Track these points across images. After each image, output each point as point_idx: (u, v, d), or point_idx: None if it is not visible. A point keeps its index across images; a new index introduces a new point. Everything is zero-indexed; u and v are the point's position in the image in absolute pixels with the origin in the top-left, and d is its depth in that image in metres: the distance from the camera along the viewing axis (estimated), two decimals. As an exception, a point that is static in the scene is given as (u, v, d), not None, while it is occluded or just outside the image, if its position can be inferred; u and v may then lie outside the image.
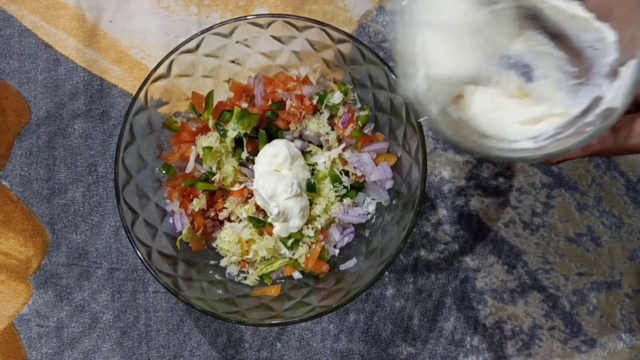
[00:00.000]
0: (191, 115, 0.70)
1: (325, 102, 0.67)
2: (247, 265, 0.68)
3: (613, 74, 0.44)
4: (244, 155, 0.68)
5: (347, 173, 0.68)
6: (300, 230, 0.66)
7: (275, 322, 0.61)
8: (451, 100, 0.49)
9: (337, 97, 0.68)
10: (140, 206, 0.65)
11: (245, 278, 0.68)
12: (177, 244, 0.67)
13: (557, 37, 0.49)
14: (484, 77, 0.50)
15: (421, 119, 0.46)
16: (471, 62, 0.50)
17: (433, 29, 0.48)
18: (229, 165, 0.67)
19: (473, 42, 0.50)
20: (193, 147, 0.68)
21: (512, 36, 0.51)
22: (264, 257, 0.67)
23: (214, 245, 0.69)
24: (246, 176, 0.69)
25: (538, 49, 0.50)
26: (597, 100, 0.45)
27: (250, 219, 0.67)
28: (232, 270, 0.68)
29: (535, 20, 0.50)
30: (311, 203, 0.67)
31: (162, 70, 0.64)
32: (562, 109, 0.47)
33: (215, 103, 0.69)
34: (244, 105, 0.68)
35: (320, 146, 0.69)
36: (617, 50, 0.44)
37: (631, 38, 0.43)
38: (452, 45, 0.49)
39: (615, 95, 0.43)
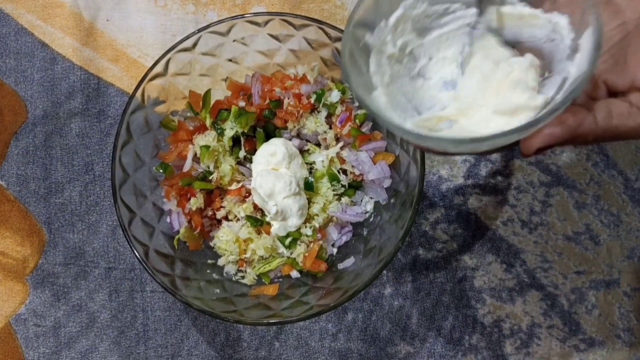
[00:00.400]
0: (188, 114, 0.69)
1: (323, 101, 0.67)
2: (244, 264, 0.68)
3: (574, 51, 0.44)
4: (242, 154, 0.68)
5: (345, 172, 0.68)
6: (298, 229, 0.66)
7: (273, 321, 0.61)
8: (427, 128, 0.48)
9: (334, 96, 0.67)
10: (138, 205, 0.65)
11: (243, 277, 0.67)
12: (175, 243, 0.66)
13: (513, 46, 0.48)
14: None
15: (390, 128, 0.44)
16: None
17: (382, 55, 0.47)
18: (227, 164, 0.67)
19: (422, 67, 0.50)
20: (190, 146, 0.68)
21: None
22: (262, 256, 0.67)
23: (211, 244, 0.68)
24: (244, 175, 0.69)
25: None
26: (564, 82, 0.44)
27: (248, 218, 0.66)
28: (230, 269, 0.68)
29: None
30: (309, 202, 0.67)
31: (159, 68, 0.64)
32: (530, 103, 0.46)
33: (212, 102, 0.69)
34: (242, 104, 0.68)
35: (318, 145, 0.69)
36: (572, 31, 0.44)
37: (582, 12, 0.42)
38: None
39: (579, 66, 0.42)
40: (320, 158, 0.68)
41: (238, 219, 0.68)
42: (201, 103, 0.69)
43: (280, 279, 0.68)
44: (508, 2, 0.47)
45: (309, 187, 0.67)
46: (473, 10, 0.48)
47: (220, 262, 0.68)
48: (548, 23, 0.45)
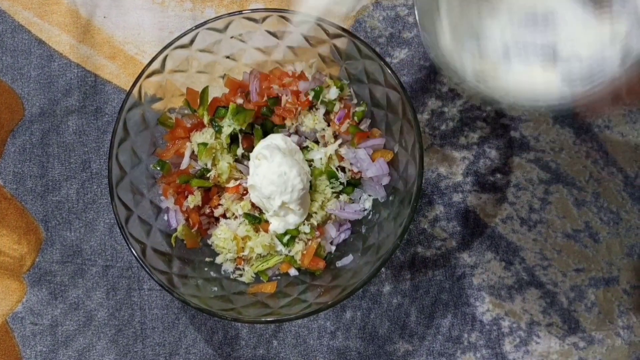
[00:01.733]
0: (186, 112, 0.69)
1: (321, 98, 0.67)
2: (242, 262, 0.67)
3: None
4: (240, 151, 0.68)
5: (343, 169, 0.68)
6: (296, 227, 0.66)
7: (271, 319, 0.60)
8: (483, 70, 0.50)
9: (333, 93, 0.67)
10: (135, 203, 0.64)
11: (240, 275, 0.67)
12: (172, 241, 0.66)
13: None
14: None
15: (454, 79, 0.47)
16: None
17: None
18: (224, 162, 0.67)
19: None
20: (188, 144, 0.68)
21: None
22: (260, 254, 0.67)
23: (209, 242, 0.68)
24: (242, 172, 0.68)
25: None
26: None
27: (246, 215, 0.66)
28: (228, 267, 0.68)
29: None
30: (307, 199, 0.67)
31: (156, 65, 0.64)
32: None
33: (210, 99, 0.69)
34: (239, 101, 0.67)
35: (316, 142, 0.69)
36: None
37: None
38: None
39: None
40: (318, 156, 0.67)
41: (236, 217, 0.67)
42: (199, 100, 0.69)
43: (279, 277, 0.68)
44: None
45: (307, 185, 0.66)
46: None
47: (218, 260, 0.68)
48: None
